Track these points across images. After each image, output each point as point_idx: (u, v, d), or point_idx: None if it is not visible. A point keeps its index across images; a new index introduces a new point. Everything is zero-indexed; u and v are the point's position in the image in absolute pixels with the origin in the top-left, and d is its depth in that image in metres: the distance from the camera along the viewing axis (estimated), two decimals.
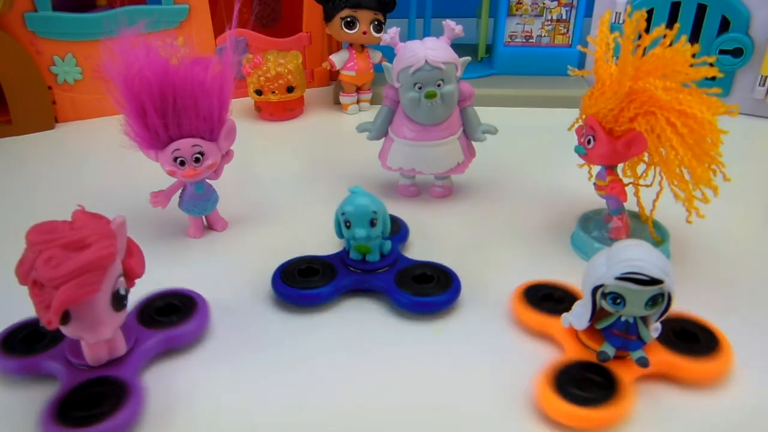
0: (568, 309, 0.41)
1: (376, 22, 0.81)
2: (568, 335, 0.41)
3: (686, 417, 0.37)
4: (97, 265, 0.33)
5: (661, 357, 0.39)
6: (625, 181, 0.51)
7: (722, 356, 0.39)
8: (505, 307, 0.46)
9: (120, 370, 0.38)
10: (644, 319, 0.38)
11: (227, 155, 0.54)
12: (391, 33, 0.57)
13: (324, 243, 0.51)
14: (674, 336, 0.41)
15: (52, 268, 0.32)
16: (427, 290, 0.45)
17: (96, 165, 0.72)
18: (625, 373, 0.38)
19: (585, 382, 0.37)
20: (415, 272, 0.47)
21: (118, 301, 0.36)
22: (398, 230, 0.54)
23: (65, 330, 0.35)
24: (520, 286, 0.46)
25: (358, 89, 0.87)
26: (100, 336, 0.35)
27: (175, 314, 0.43)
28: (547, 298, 0.44)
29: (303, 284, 0.47)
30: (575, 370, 0.38)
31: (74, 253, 0.32)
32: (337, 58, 0.84)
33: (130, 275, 0.37)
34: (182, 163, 0.51)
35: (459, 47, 0.56)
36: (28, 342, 0.40)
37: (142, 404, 0.37)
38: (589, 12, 0.91)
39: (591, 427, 0.36)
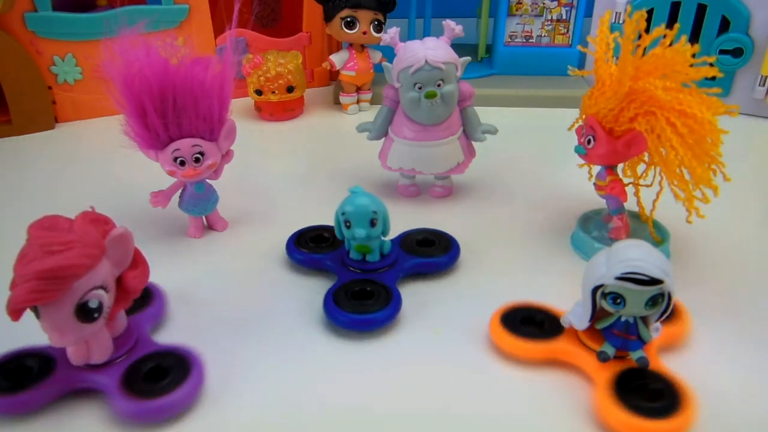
0: (550, 332, 0.41)
1: (376, 22, 0.81)
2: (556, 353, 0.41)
3: None
4: (61, 273, 0.31)
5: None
6: (625, 181, 0.51)
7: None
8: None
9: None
10: (644, 319, 0.38)
11: (227, 155, 0.54)
12: (391, 33, 0.57)
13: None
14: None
15: (23, 265, 0.32)
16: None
17: (96, 165, 0.72)
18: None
19: None
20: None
21: (85, 313, 0.34)
22: (449, 248, 0.51)
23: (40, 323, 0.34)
24: (496, 312, 0.43)
25: (358, 89, 0.87)
26: (58, 342, 0.34)
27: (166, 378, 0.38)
28: (527, 321, 0.43)
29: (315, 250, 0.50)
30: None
31: (47, 255, 0.32)
32: (337, 58, 0.84)
33: (126, 289, 0.36)
34: (182, 163, 0.51)
35: (459, 47, 0.56)
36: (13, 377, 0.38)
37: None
38: (589, 12, 0.91)
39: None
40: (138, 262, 0.37)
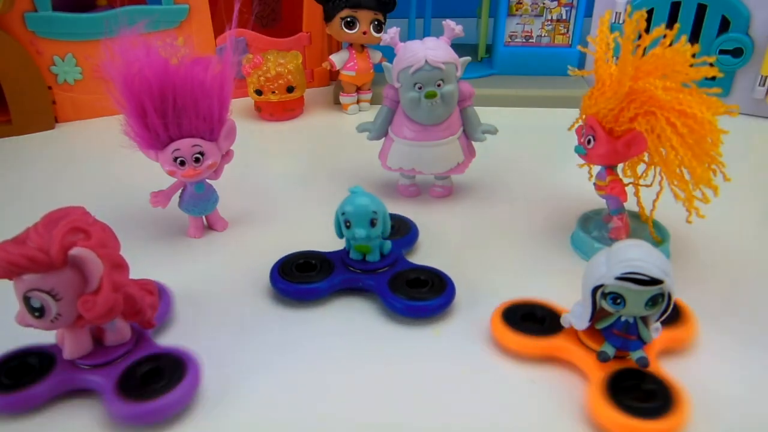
0: (551, 328, 0.41)
1: (376, 22, 0.81)
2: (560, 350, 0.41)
3: None
4: None
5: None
6: (625, 181, 0.51)
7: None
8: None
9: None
10: (644, 319, 0.38)
11: (227, 155, 0.54)
12: (391, 33, 0.57)
13: (324, 243, 0.51)
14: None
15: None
16: (420, 294, 0.45)
17: (96, 165, 0.72)
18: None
19: None
20: (409, 277, 0.47)
21: (29, 307, 0.35)
22: (408, 232, 0.54)
23: None
24: (498, 308, 0.44)
25: (358, 89, 0.87)
26: (19, 319, 0.36)
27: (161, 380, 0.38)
28: (528, 318, 0.43)
29: (300, 279, 0.47)
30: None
31: (12, 242, 0.34)
32: (337, 58, 0.84)
33: (80, 308, 0.35)
34: (182, 163, 0.51)
35: (459, 47, 0.56)
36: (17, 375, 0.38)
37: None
38: (589, 12, 0.91)
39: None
40: (101, 289, 0.35)
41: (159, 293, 0.44)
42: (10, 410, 0.37)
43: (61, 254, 0.34)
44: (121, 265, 0.36)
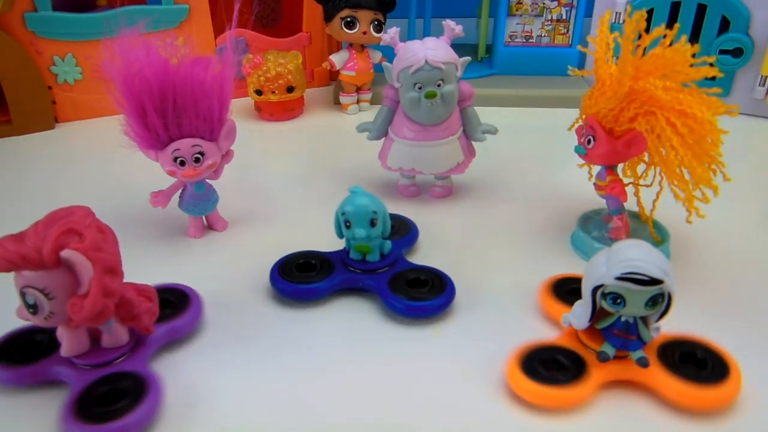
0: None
1: (376, 22, 0.81)
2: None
3: None
4: None
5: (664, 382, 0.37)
6: (625, 181, 0.51)
7: (730, 384, 0.37)
8: (503, 306, 0.46)
9: (132, 363, 0.39)
10: (644, 319, 0.38)
11: (227, 155, 0.54)
12: (391, 33, 0.57)
13: (324, 243, 0.51)
14: (679, 360, 0.38)
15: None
16: (420, 295, 0.45)
17: (96, 165, 0.72)
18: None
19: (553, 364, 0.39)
20: (409, 277, 0.47)
21: (25, 302, 0.36)
22: (408, 232, 0.54)
23: None
24: (547, 280, 0.46)
25: (358, 89, 0.87)
26: (19, 313, 0.37)
27: (168, 308, 0.43)
28: (575, 292, 0.43)
29: (300, 279, 0.47)
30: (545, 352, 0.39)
31: (10, 238, 0.35)
32: (337, 58, 0.84)
33: (69, 310, 0.36)
34: (182, 163, 0.51)
35: (459, 47, 0.56)
36: (24, 351, 0.40)
37: (161, 398, 0.38)
38: (589, 12, 0.91)
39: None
40: (89, 293, 0.35)
41: (189, 300, 0.44)
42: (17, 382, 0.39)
43: (53, 255, 0.34)
44: (114, 270, 0.36)
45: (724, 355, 0.39)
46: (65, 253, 0.34)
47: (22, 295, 0.36)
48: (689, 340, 0.40)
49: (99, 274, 0.35)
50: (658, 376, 0.38)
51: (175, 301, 0.44)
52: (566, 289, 0.45)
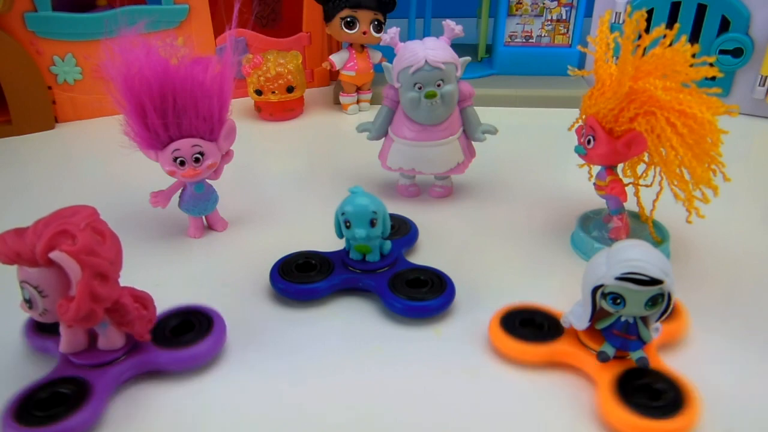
0: (550, 333, 0.41)
1: (376, 22, 0.81)
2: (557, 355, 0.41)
3: None
4: None
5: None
6: (625, 181, 0.51)
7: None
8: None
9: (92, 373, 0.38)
10: (644, 319, 0.38)
11: (227, 155, 0.54)
12: (391, 33, 0.57)
13: (324, 243, 0.51)
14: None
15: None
16: (420, 295, 0.45)
17: (96, 165, 0.72)
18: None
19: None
20: (408, 277, 0.47)
21: (23, 297, 0.37)
22: (408, 232, 0.54)
23: None
24: (496, 314, 0.43)
25: (358, 89, 0.87)
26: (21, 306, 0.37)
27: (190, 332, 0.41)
28: (527, 323, 0.42)
29: (300, 279, 0.47)
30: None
31: (12, 232, 0.35)
32: (337, 58, 0.84)
33: (57, 310, 0.36)
34: (182, 163, 0.51)
35: (459, 47, 0.56)
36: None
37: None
38: (589, 12, 0.91)
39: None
40: (76, 296, 0.35)
41: (211, 323, 0.42)
42: None
43: (44, 254, 0.34)
44: (104, 276, 0.35)
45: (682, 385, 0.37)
46: (54, 255, 0.34)
47: (22, 288, 0.36)
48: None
49: (87, 278, 0.35)
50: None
51: (198, 325, 0.42)
52: (517, 322, 0.43)
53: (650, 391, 0.37)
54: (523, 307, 0.44)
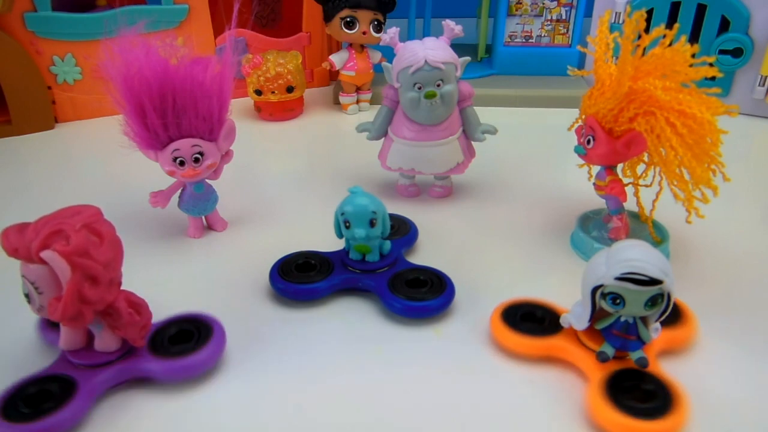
0: (550, 327, 0.42)
1: (375, 22, 0.81)
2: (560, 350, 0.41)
3: None
4: None
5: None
6: (625, 181, 0.51)
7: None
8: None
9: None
10: (644, 320, 0.38)
11: (227, 155, 0.54)
12: (391, 33, 0.57)
13: (324, 243, 0.51)
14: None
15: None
16: (419, 295, 0.45)
17: (96, 165, 0.72)
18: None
19: None
20: (408, 277, 0.47)
21: (24, 292, 0.37)
22: (408, 232, 0.54)
23: None
24: (497, 307, 0.44)
25: (358, 89, 0.87)
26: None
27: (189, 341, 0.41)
28: (528, 318, 0.43)
29: (299, 279, 0.47)
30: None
31: (15, 227, 0.36)
32: (337, 58, 0.85)
33: (47, 308, 0.36)
34: (182, 163, 0.51)
35: (459, 47, 0.56)
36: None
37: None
38: (589, 12, 0.91)
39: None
40: (64, 297, 0.35)
41: (210, 332, 0.41)
42: None
43: (38, 253, 0.34)
44: (95, 278, 0.35)
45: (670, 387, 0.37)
46: (44, 254, 0.34)
47: (22, 283, 0.36)
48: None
49: (76, 280, 0.34)
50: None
51: (196, 334, 0.41)
52: (518, 316, 0.43)
53: (640, 391, 0.37)
54: (525, 302, 0.44)
